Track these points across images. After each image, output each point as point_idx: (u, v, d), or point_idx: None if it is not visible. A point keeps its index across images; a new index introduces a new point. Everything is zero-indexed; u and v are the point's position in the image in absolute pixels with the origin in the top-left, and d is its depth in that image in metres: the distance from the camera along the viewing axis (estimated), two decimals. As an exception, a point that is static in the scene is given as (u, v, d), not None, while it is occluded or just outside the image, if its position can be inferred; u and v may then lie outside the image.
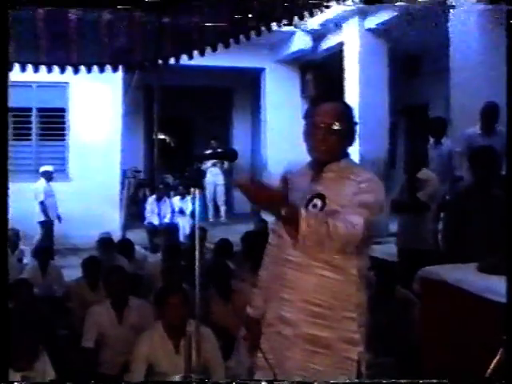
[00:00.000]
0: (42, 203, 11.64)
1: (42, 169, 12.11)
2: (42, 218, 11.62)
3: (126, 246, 8.84)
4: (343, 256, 2.90)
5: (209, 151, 11.12)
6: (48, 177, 11.99)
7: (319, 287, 2.92)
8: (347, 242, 2.77)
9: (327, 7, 7.93)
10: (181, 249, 7.89)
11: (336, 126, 2.97)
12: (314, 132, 2.99)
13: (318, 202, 2.91)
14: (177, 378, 3.26)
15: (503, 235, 3.52)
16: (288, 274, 2.96)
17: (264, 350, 3.09)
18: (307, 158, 3.13)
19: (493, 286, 3.60)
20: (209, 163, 14.64)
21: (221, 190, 15.15)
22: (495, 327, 3.11)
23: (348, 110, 3.11)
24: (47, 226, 11.68)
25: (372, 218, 2.82)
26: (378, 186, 2.96)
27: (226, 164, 14.86)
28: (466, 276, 3.97)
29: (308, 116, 3.06)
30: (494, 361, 2.93)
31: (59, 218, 11.79)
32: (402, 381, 3.06)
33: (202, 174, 3.39)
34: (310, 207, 2.90)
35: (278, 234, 3.05)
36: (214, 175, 14.99)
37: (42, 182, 11.89)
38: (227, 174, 15.29)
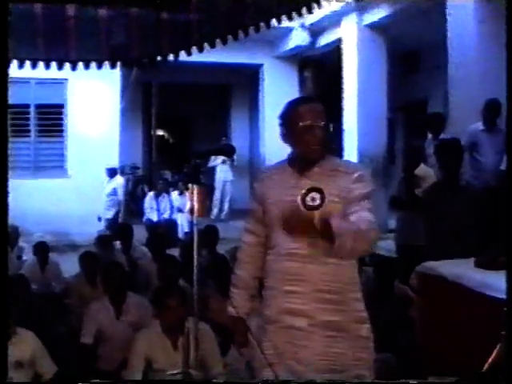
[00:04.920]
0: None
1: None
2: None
3: (125, 230, 8.95)
4: None
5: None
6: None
7: (327, 275, 3.03)
8: (374, 240, 3.02)
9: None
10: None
11: (326, 125, 3.09)
12: (310, 133, 3.06)
13: (317, 196, 2.95)
14: (174, 372, 3.27)
15: (501, 230, 3.52)
16: (294, 267, 3.05)
17: (268, 346, 3.13)
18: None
19: (490, 281, 3.61)
20: (218, 160, 14.65)
21: (229, 188, 15.14)
22: (493, 322, 3.11)
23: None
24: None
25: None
26: (367, 175, 3.15)
27: (235, 161, 14.84)
28: (464, 271, 3.98)
29: (295, 117, 3.11)
30: (492, 356, 2.94)
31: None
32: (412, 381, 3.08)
33: (200, 170, 3.35)
34: (309, 201, 2.95)
35: (272, 232, 3.17)
36: (223, 172, 14.99)
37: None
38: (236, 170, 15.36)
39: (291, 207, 2.97)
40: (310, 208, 2.95)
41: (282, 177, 3.19)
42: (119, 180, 11.94)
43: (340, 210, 3.00)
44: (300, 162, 3.15)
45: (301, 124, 3.06)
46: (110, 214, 11.64)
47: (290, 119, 3.15)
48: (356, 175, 3.06)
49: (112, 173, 12.02)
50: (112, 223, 11.61)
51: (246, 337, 3.29)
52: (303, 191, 2.98)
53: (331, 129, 3.16)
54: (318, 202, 2.94)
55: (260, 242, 3.30)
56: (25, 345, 4.46)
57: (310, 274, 3.03)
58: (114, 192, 11.76)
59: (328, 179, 3.05)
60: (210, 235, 7.69)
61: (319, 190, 2.96)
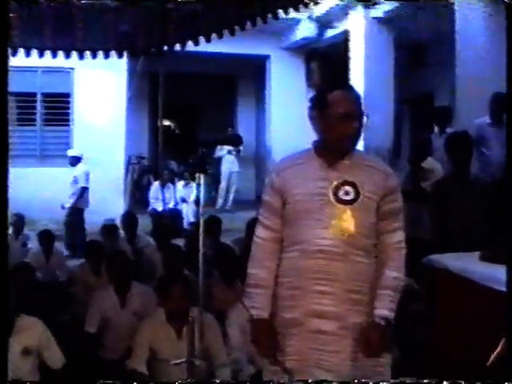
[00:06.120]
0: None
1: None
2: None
3: (130, 219, 8.95)
4: (371, 240, 2.97)
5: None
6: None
7: (357, 274, 2.90)
8: None
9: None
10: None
11: (364, 114, 2.93)
12: (346, 121, 2.86)
13: (351, 190, 2.88)
14: (178, 362, 3.27)
15: (506, 224, 3.52)
16: (325, 265, 2.87)
17: (290, 352, 2.96)
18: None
19: (495, 274, 3.60)
20: (224, 150, 14.63)
21: (235, 178, 15.12)
22: (498, 316, 3.11)
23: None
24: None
25: None
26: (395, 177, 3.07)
27: (241, 151, 14.84)
28: (469, 265, 3.97)
29: (326, 105, 2.89)
30: (496, 351, 2.93)
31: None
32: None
33: (207, 160, 3.32)
34: (342, 194, 2.88)
35: (296, 227, 2.97)
36: (229, 163, 14.97)
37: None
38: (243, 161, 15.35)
39: (321, 200, 2.87)
40: (342, 202, 2.86)
41: (307, 167, 2.97)
42: (80, 168, 11.72)
43: (372, 207, 2.92)
44: (329, 153, 2.94)
45: (338, 111, 2.85)
46: (70, 203, 11.47)
47: (325, 103, 2.90)
48: (387, 173, 2.98)
49: (74, 161, 11.80)
50: (71, 212, 11.48)
51: (273, 342, 3.00)
52: (335, 183, 2.88)
53: (366, 120, 2.95)
54: (351, 196, 2.87)
55: (277, 238, 3.05)
56: (32, 332, 4.41)
57: (342, 273, 2.85)
58: (75, 180, 11.59)
59: (361, 174, 2.91)
60: (212, 225, 7.70)
61: (353, 184, 2.88)
